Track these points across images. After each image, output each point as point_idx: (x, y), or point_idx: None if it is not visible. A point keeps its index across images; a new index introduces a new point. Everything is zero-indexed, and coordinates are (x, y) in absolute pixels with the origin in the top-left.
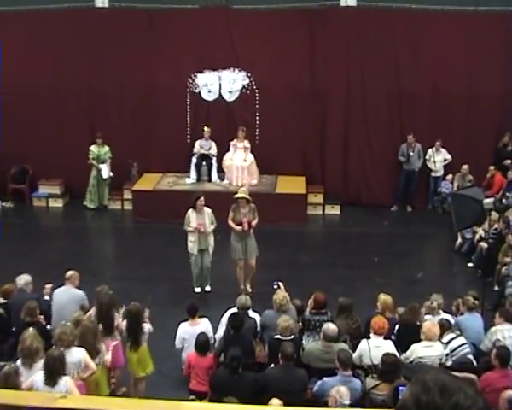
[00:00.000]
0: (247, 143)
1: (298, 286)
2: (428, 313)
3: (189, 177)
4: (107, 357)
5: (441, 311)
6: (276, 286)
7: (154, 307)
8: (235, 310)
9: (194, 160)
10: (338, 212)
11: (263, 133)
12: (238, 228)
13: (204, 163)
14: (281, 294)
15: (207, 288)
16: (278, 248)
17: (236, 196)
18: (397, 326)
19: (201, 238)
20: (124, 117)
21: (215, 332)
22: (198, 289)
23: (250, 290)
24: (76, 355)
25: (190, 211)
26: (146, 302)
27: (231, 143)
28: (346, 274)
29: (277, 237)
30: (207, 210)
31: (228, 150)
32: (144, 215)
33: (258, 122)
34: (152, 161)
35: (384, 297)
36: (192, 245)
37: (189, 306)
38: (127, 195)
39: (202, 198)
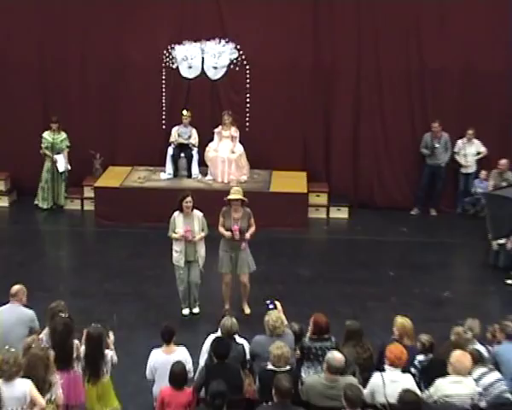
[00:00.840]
0: (234, 131)
1: (295, 305)
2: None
3: (164, 171)
4: (60, 392)
5: (476, 341)
6: (271, 306)
7: (120, 331)
8: (218, 335)
9: (170, 150)
10: (346, 215)
11: (254, 119)
12: (227, 234)
13: (182, 155)
14: (274, 314)
15: (195, 309)
16: (272, 258)
17: (229, 197)
18: (420, 357)
19: (189, 248)
20: (85, 97)
21: (195, 364)
22: (186, 311)
23: (248, 312)
24: (20, 388)
25: (176, 214)
26: (110, 324)
27: (216, 130)
28: (355, 292)
29: (271, 246)
30: (197, 213)
31: (212, 140)
32: (109, 218)
33: (248, 105)
34: (119, 152)
35: (402, 321)
36: (177, 256)
37: (164, 329)
38: (88, 192)
39: (189, 198)
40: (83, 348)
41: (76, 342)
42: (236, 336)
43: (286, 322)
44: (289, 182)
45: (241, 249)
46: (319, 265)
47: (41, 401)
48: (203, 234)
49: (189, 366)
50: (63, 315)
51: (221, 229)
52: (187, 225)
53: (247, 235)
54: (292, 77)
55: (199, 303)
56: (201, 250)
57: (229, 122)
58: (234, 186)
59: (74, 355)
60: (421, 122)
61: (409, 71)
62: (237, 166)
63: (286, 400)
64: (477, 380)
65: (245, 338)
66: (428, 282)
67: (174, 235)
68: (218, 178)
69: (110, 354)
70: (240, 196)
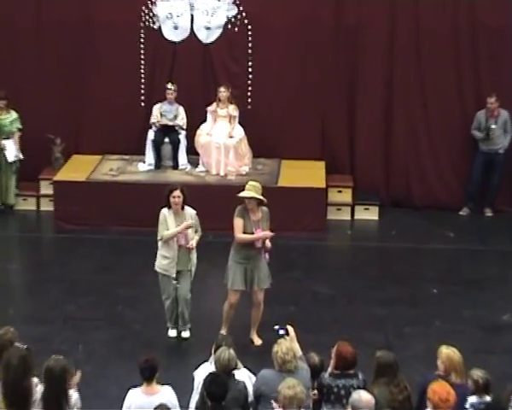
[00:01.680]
0: (233, 110)
1: (313, 332)
2: None
3: (143, 161)
4: None
5: None
6: (281, 332)
7: (87, 366)
8: (212, 368)
9: (151, 134)
10: (375, 217)
11: (259, 94)
12: (261, 235)
13: (167, 140)
14: (284, 345)
15: (185, 333)
16: (282, 272)
17: (243, 194)
18: (473, 399)
19: (182, 254)
20: (41, 66)
21: (183, 408)
22: (173, 333)
23: (259, 343)
24: None
25: (166, 211)
26: (75, 358)
27: (209, 108)
28: (389, 314)
29: (281, 256)
30: (190, 212)
31: (204, 120)
32: (73, 221)
33: (251, 76)
34: (85, 136)
35: (448, 352)
36: (168, 264)
37: (144, 363)
38: (46, 188)
39: (177, 192)
40: (40, 388)
41: (35, 380)
42: (236, 372)
43: (300, 353)
44: (303, 174)
45: (259, 260)
46: (342, 280)
47: None
48: (197, 237)
49: None
50: (19, 346)
51: (242, 236)
52: (179, 225)
53: (268, 243)
54: (306, 39)
55: (190, 326)
56: (194, 257)
57: (226, 98)
58: (250, 181)
59: (33, 398)
60: (472, 97)
61: (457, 30)
62: (236, 155)
63: None
64: None
65: (249, 371)
66: (483, 302)
67: (167, 233)
68: (211, 170)
69: (75, 396)
70: (254, 195)
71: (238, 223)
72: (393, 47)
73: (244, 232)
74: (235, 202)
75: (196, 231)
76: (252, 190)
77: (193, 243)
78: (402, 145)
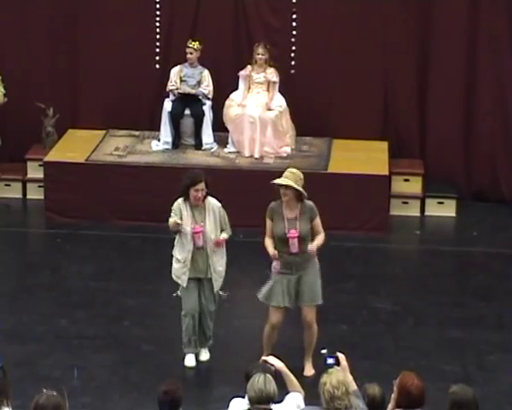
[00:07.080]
0: (272, 75)
1: (369, 358)
2: None
3: (157, 139)
4: None
5: None
6: (329, 360)
7: (84, 397)
8: (244, 403)
9: (167, 105)
10: (452, 213)
11: (305, 55)
12: (271, 252)
13: (187, 112)
14: (335, 376)
15: (204, 355)
16: (333, 281)
17: (278, 181)
18: None
19: (199, 257)
20: (29, 17)
21: None
22: (191, 361)
23: (310, 374)
24: None
25: (181, 202)
26: (69, 386)
27: (242, 73)
28: (466, 338)
29: (331, 261)
30: (213, 204)
31: (235, 88)
32: (67, 213)
33: (295, 32)
34: (85, 107)
35: None
36: (178, 269)
37: (164, 396)
38: (34, 171)
39: (202, 185)
40: None
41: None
42: (273, 407)
43: (354, 388)
44: (360, 158)
45: (305, 269)
46: (409, 293)
47: None
48: (225, 235)
49: None
50: None
51: (267, 242)
52: (197, 220)
53: (313, 247)
54: None
55: (211, 343)
56: (218, 263)
57: (263, 60)
58: (289, 167)
59: None
60: None
61: None
62: (276, 132)
63: None
64: None
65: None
66: None
67: (172, 220)
68: (244, 151)
69: None
70: (291, 184)
71: (267, 225)
72: None
73: (275, 235)
74: (273, 192)
75: (223, 230)
76: (290, 178)
77: (224, 235)
78: (488, 122)
